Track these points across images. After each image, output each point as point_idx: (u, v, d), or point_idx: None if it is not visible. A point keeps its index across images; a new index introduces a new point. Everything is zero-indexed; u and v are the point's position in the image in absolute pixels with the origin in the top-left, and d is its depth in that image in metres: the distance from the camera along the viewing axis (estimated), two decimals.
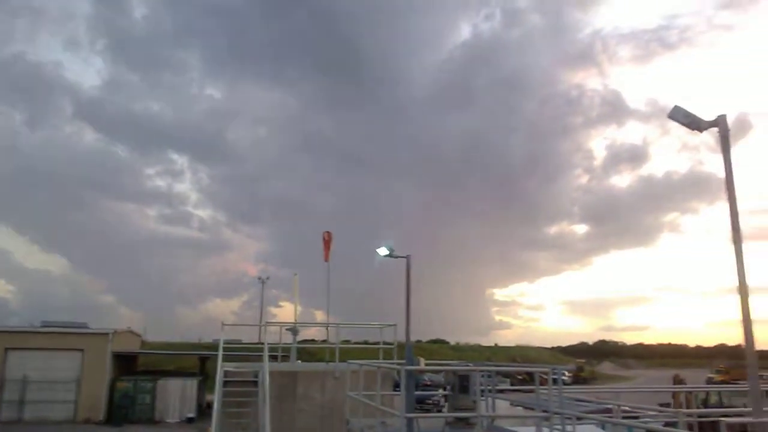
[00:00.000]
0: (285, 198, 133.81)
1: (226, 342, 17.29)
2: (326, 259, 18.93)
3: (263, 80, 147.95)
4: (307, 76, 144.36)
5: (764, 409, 9.92)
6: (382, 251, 17.83)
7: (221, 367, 14.88)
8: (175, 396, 26.95)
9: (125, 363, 29.89)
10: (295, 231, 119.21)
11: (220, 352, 15.22)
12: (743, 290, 10.28)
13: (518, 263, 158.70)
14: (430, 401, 27.35)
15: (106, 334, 28.02)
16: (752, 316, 10.11)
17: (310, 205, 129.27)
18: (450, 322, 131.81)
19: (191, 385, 27.26)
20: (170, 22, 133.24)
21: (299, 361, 18.53)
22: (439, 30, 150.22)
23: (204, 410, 26.80)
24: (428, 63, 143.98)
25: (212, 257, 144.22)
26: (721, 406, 17.38)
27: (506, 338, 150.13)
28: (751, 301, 10.20)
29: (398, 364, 13.34)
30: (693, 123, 11.55)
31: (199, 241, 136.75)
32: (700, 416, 12.30)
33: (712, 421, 10.21)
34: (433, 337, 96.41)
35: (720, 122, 11.32)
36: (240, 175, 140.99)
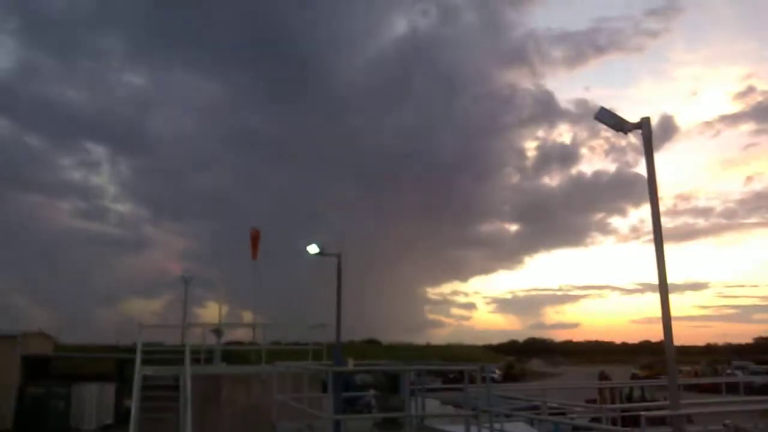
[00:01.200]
0: (212, 193, 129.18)
1: (147, 344, 16.44)
2: (254, 258, 18.33)
3: (189, 68, 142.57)
4: (237, 66, 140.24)
5: (681, 401, 10.26)
6: (313, 249, 17.52)
7: (139, 371, 14.15)
8: (92, 402, 25.52)
9: (36, 367, 28.06)
10: (223, 228, 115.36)
11: (138, 355, 14.48)
12: (663, 288, 10.59)
13: (451, 261, 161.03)
14: (362, 402, 27.09)
15: (14, 336, 26.16)
16: (672, 313, 10.43)
17: (238, 201, 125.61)
18: (383, 321, 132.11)
19: (109, 390, 25.92)
20: (90, 3, 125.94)
21: (224, 364, 17.91)
22: (376, 24, 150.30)
23: (123, 417, 25.55)
24: (363, 57, 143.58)
25: (132, 255, 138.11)
26: (644, 401, 18.00)
27: (439, 337, 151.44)
28: (671, 298, 10.54)
29: (327, 365, 13.04)
30: (618, 125, 11.80)
31: (117, 238, 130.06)
32: (623, 411, 12.64)
33: (634, 415, 10.45)
34: (366, 337, 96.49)
35: (643, 125, 11.63)
36: (163, 168, 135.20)
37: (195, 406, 12.89)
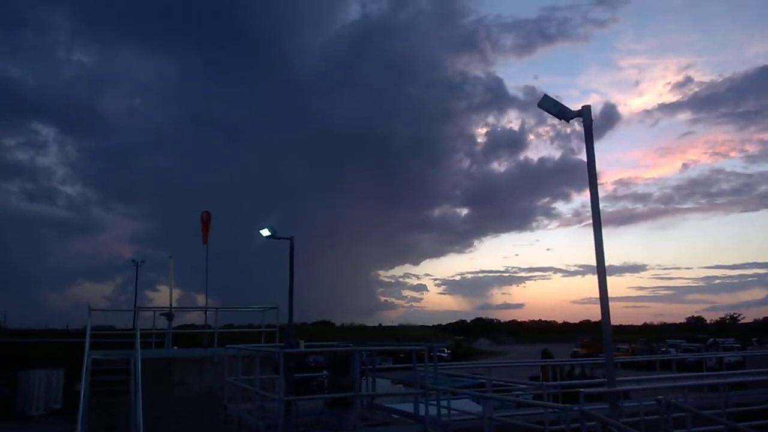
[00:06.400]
0: (164, 175, 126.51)
1: (97, 328, 16.31)
2: (204, 242, 18.19)
3: (141, 46, 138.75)
4: (190, 46, 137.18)
5: (618, 378, 10.84)
6: (265, 232, 17.46)
7: (89, 355, 14.05)
8: (39, 387, 25.07)
9: None
10: (175, 210, 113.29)
11: (87, 339, 14.35)
12: (601, 270, 11.09)
13: (402, 245, 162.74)
14: (315, 383, 27.34)
15: None
16: (610, 294, 10.97)
17: (190, 183, 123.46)
18: (335, 303, 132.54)
19: (57, 375, 25.52)
20: None
21: (175, 347, 17.88)
22: (329, 7, 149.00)
23: (73, 401, 25.17)
24: (317, 40, 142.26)
25: (82, 238, 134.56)
26: (584, 378, 18.75)
27: (390, 318, 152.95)
28: (610, 280, 11.07)
29: (278, 347, 13.19)
30: (560, 113, 12.20)
31: (66, 220, 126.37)
32: (563, 387, 13.24)
33: (574, 392, 10.98)
34: (319, 319, 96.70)
35: (584, 113, 12.05)
36: (114, 150, 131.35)
37: (146, 390, 12.87)
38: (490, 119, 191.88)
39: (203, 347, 15.91)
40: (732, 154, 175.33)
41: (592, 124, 12.08)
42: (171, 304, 17.81)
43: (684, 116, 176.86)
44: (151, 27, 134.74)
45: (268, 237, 17.62)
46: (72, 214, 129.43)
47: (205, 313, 17.95)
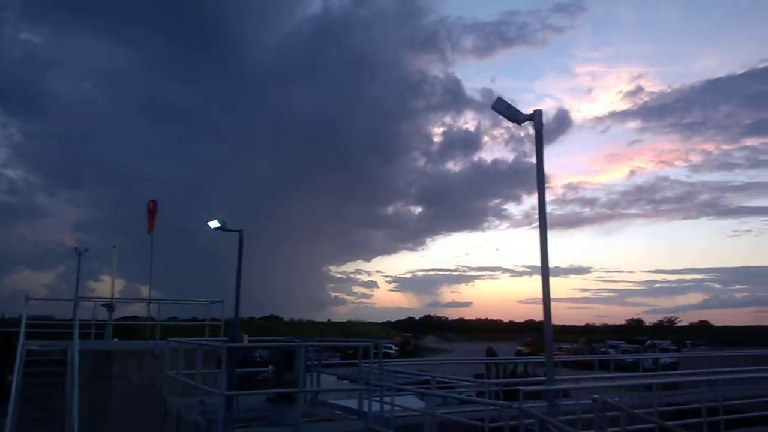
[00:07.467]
0: (113, 162, 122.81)
1: (36, 318, 15.76)
2: (149, 232, 17.72)
3: (94, 30, 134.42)
4: (145, 32, 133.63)
5: (557, 377, 11.13)
6: (214, 224, 17.17)
7: (23, 345, 13.55)
8: None
9: None
10: (122, 199, 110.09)
11: (23, 329, 13.85)
12: (545, 271, 11.35)
13: (355, 241, 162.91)
14: (260, 378, 27.04)
15: None
16: (555, 295, 11.22)
17: (140, 172, 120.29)
18: (285, 298, 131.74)
19: None
20: None
21: (116, 340, 17.43)
22: (291, 0, 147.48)
23: (4, 393, 24.21)
24: (277, 33, 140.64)
25: (23, 223, 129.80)
26: (527, 376, 19.13)
27: (340, 314, 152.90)
28: (555, 281, 11.35)
29: (222, 341, 12.99)
30: (513, 116, 12.41)
31: (7, 205, 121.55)
32: (505, 385, 13.52)
33: (515, 389, 11.22)
34: (267, 314, 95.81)
35: (536, 117, 12.29)
36: (61, 134, 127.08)
37: (83, 382, 12.52)
38: (447, 119, 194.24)
39: (145, 340, 15.55)
40: (677, 162, 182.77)
41: (543, 128, 12.32)
42: (113, 295, 17.36)
43: (633, 124, 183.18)
44: (105, 10, 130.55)
45: (216, 229, 17.36)
46: (13, 198, 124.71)
47: (148, 305, 17.54)
